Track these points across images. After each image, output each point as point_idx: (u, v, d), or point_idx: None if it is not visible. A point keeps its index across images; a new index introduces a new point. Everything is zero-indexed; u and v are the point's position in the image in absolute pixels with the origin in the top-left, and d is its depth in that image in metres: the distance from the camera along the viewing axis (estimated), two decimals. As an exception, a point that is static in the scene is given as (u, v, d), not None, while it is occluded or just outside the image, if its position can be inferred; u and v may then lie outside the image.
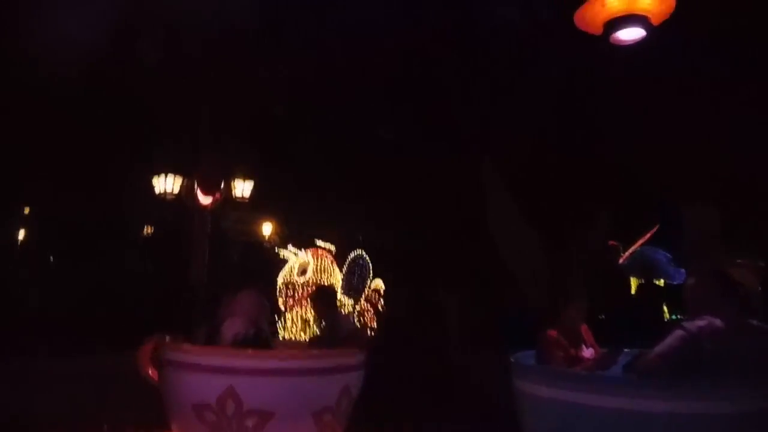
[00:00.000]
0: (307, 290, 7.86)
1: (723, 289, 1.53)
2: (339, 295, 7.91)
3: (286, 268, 8.30)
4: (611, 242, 6.96)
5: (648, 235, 6.68)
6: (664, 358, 1.41)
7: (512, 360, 1.72)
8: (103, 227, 8.61)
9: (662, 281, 6.76)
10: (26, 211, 12.21)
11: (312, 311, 7.80)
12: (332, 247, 9.04)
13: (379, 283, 8.85)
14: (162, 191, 7.38)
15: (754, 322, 1.54)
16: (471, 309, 6.37)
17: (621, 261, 6.32)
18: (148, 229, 10.81)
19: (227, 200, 7.79)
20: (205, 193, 6.95)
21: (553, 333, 2.12)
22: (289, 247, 8.45)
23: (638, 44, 3.18)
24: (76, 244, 8.34)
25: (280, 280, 8.16)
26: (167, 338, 2.08)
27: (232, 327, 2.11)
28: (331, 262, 8.58)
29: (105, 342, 5.16)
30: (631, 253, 6.63)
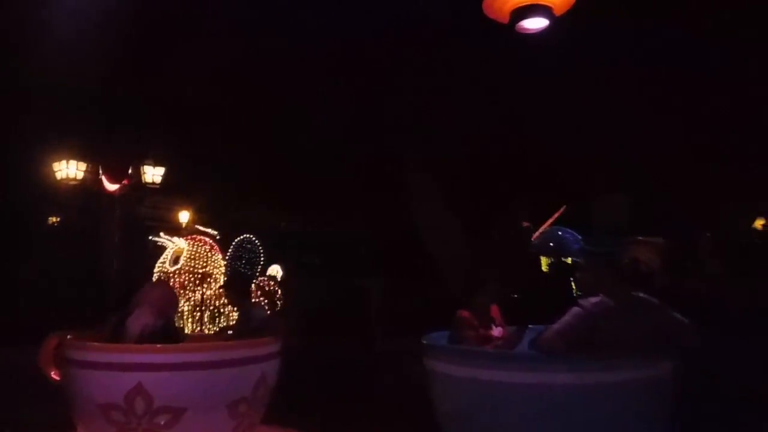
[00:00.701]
0: (180, 279, 7.49)
1: (611, 269, 1.63)
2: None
3: (162, 257, 7.93)
4: (524, 223, 7.24)
5: (556, 215, 6.99)
6: (562, 335, 1.49)
7: (423, 341, 1.76)
8: (3, 216, 8.05)
9: (569, 260, 7.11)
10: None
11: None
12: (214, 233, 8.63)
13: (275, 269, 8.51)
14: (65, 177, 6.97)
15: (644, 297, 1.65)
16: (394, 295, 6.48)
17: (532, 240, 6.59)
18: (53, 218, 10.21)
19: (138, 186, 7.46)
20: (111, 179, 6.63)
21: (464, 313, 2.19)
22: (161, 234, 8.11)
23: (551, 36, 3.33)
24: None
25: (155, 270, 7.75)
26: (69, 335, 1.97)
27: (139, 320, 2.03)
28: (211, 249, 8.21)
29: (5, 335, 4.86)
30: (541, 233, 6.90)
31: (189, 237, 7.97)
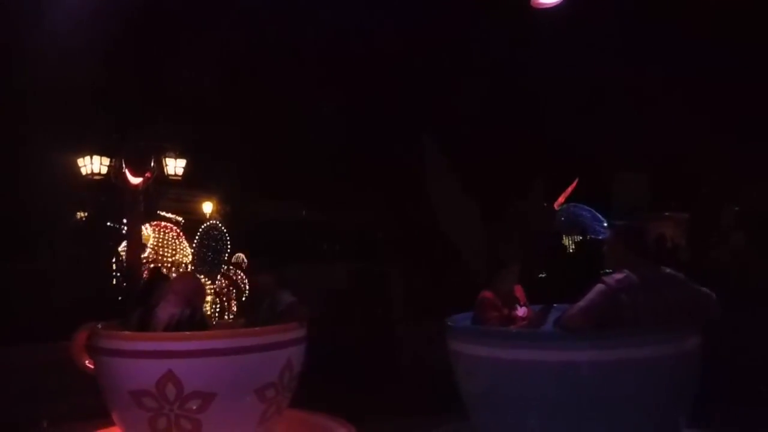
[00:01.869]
0: (147, 267, 7.25)
1: (637, 244, 1.62)
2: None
3: (123, 244, 7.66)
4: (544, 203, 7.19)
5: (569, 190, 6.90)
6: (586, 312, 1.49)
7: (447, 322, 1.78)
8: (28, 213, 8.21)
9: (587, 236, 7.03)
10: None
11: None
12: (179, 219, 8.36)
13: (240, 258, 8.26)
14: (89, 172, 7.10)
15: (669, 272, 1.64)
16: (414, 279, 6.50)
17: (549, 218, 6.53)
18: (81, 214, 10.41)
19: (160, 179, 7.56)
20: (134, 173, 6.73)
21: (488, 294, 2.19)
22: (124, 221, 7.77)
23: (568, 11, 3.29)
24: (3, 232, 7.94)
25: (121, 257, 7.53)
26: (100, 325, 2.02)
27: (167, 309, 2.07)
28: (177, 236, 7.97)
29: (39, 331, 4.98)
30: (557, 207, 6.83)
31: (154, 224, 7.72)
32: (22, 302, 6.15)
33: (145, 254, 7.34)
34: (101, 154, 6.77)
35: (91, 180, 6.97)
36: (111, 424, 2.00)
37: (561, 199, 6.97)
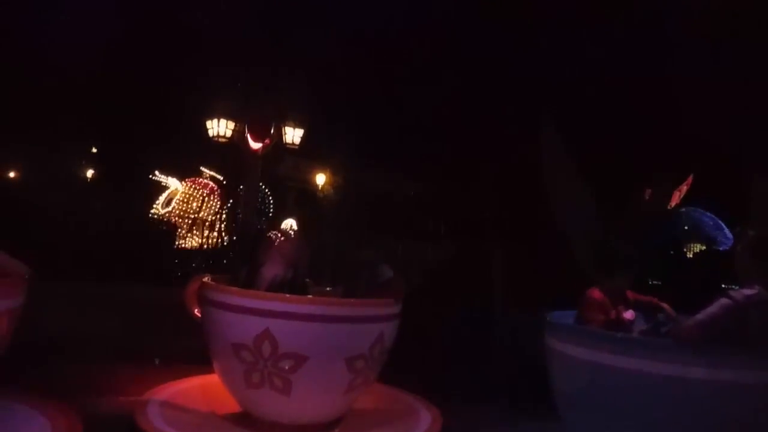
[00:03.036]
0: (174, 221, 7.14)
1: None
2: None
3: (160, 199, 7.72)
4: (671, 201, 6.63)
5: (685, 188, 6.31)
6: (704, 326, 1.35)
7: (547, 318, 1.70)
8: (160, 165, 8.82)
9: (710, 246, 6.41)
10: (93, 149, 12.84)
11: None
12: (219, 177, 8.17)
13: (290, 223, 7.98)
14: (216, 134, 7.55)
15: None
16: (518, 265, 6.30)
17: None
18: (205, 172, 11.12)
19: (279, 147, 7.89)
20: (255, 138, 7.05)
21: (596, 294, 2.07)
22: (157, 173, 7.93)
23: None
24: (136, 178, 8.58)
25: (153, 212, 7.49)
26: (209, 278, 2.14)
27: (271, 270, 2.16)
28: (210, 193, 7.74)
29: (158, 277, 5.41)
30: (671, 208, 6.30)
31: (190, 179, 7.71)
32: (151, 247, 6.70)
33: (169, 208, 7.39)
34: (228, 118, 7.16)
35: (217, 142, 7.42)
36: (213, 371, 2.13)
37: (675, 199, 6.44)
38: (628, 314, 2.18)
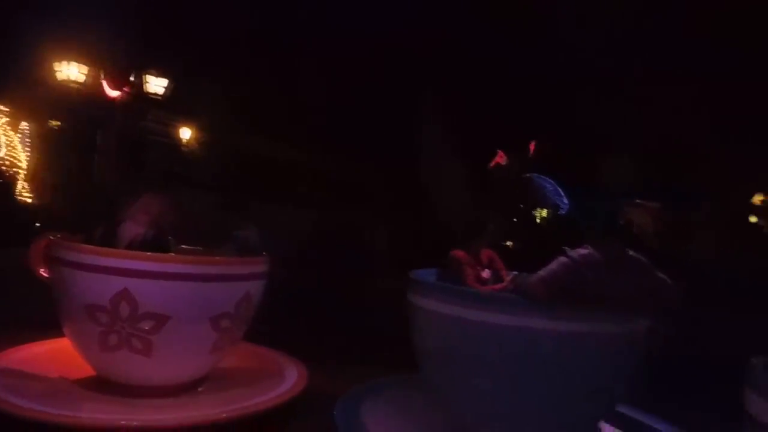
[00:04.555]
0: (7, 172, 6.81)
1: (607, 223, 1.63)
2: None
3: None
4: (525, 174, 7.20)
5: (529, 154, 6.90)
6: (545, 281, 1.50)
7: (410, 276, 1.78)
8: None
9: (546, 208, 7.09)
10: None
11: None
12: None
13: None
14: (65, 78, 6.88)
15: (634, 255, 1.65)
16: (393, 232, 6.52)
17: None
18: (53, 122, 10.10)
19: (140, 98, 7.37)
20: (113, 85, 6.52)
21: (458, 254, 2.19)
22: None
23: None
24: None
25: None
26: (58, 236, 1.98)
27: (132, 229, 2.03)
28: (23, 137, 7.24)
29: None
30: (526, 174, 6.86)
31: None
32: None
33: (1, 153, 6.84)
34: (80, 61, 6.55)
35: (68, 87, 6.78)
36: (62, 335, 1.99)
37: (525, 168, 7.00)
38: (485, 273, 2.35)
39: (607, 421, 1.75)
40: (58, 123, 9.93)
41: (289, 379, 2.01)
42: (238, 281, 1.89)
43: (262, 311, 2.04)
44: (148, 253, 1.81)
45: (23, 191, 7.51)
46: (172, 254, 2.01)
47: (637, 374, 1.57)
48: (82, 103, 7.69)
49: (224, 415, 1.67)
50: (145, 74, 7.30)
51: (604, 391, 1.57)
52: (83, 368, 1.92)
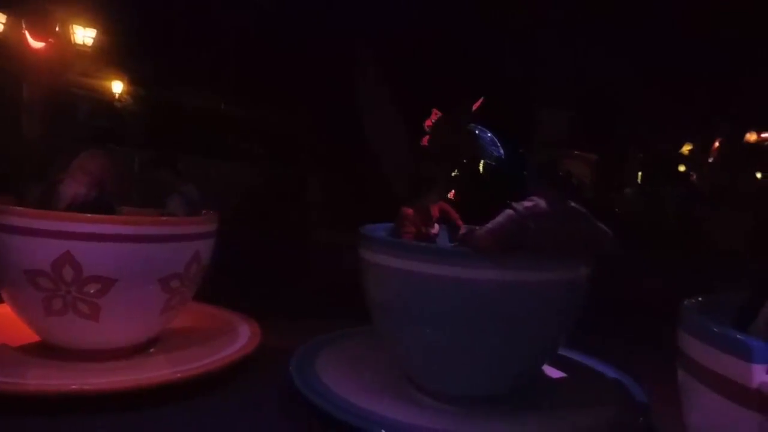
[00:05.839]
0: None
1: (549, 176, 1.70)
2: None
3: None
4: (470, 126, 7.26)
5: (475, 107, 7.03)
6: (492, 234, 1.55)
7: (361, 231, 1.80)
8: None
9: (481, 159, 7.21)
10: None
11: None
12: None
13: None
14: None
15: (574, 205, 1.72)
16: (333, 188, 6.48)
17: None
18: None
19: (67, 50, 6.92)
20: (36, 36, 6.08)
21: (408, 211, 2.22)
22: None
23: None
24: None
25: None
26: (-9, 199, 1.88)
27: (71, 188, 1.95)
28: None
29: None
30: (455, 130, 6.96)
31: None
32: None
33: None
34: (-2, 10, 6.08)
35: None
36: (1, 300, 1.92)
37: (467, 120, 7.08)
38: (434, 229, 2.40)
39: (552, 366, 1.85)
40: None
41: (242, 336, 2.02)
42: (187, 241, 1.86)
43: (210, 269, 2.03)
44: (92, 215, 1.75)
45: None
46: (118, 215, 1.96)
47: (576, 318, 1.67)
48: (1, 55, 7.18)
49: (178, 375, 1.68)
50: (71, 24, 6.84)
51: (549, 337, 1.66)
52: (26, 334, 1.87)
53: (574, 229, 1.73)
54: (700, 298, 0.94)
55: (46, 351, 1.82)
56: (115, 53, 9.01)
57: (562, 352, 1.89)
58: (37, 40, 6.68)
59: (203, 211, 2.09)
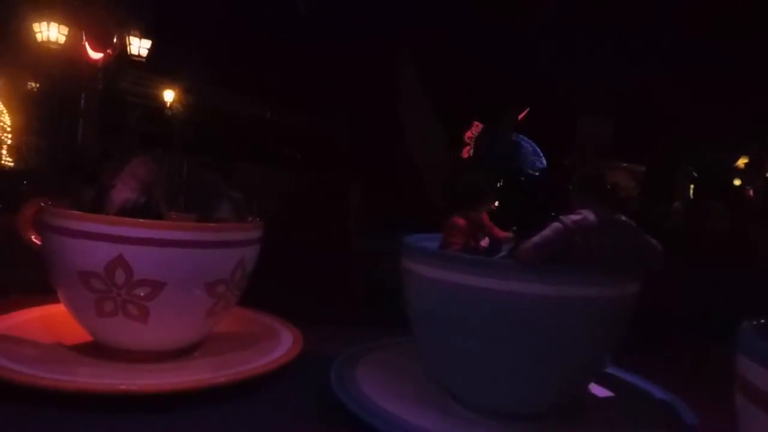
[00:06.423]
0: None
1: (596, 188, 1.66)
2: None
3: None
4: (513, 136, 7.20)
5: (520, 117, 6.91)
6: (539, 247, 1.53)
7: (404, 241, 1.80)
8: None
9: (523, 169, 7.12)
10: None
11: None
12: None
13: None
14: (45, 40, 6.66)
15: (623, 219, 1.69)
16: (374, 195, 6.50)
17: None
18: (32, 84, 9.83)
19: (122, 59, 7.18)
20: (95, 47, 6.34)
21: (459, 221, 2.19)
22: None
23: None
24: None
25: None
26: (48, 202, 1.96)
27: (123, 193, 2.02)
28: None
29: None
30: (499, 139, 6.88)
31: None
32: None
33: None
34: (60, 22, 6.34)
35: (48, 48, 6.57)
36: (57, 300, 1.99)
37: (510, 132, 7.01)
38: (484, 242, 2.37)
39: (598, 384, 1.80)
40: (38, 85, 9.64)
41: (285, 343, 2.04)
42: (233, 248, 1.91)
43: (255, 275, 2.07)
44: (144, 220, 1.81)
45: (6, 156, 7.39)
46: (169, 221, 2.01)
47: (623, 336, 1.62)
48: (63, 66, 7.46)
49: (222, 379, 1.71)
50: (128, 36, 7.10)
51: (593, 355, 1.61)
52: (79, 334, 1.94)
53: (623, 243, 1.68)
54: (757, 321, 0.89)
55: (97, 351, 1.88)
56: (167, 63, 9.30)
57: (610, 370, 1.83)
58: (97, 51, 6.97)
59: (249, 218, 2.13)
